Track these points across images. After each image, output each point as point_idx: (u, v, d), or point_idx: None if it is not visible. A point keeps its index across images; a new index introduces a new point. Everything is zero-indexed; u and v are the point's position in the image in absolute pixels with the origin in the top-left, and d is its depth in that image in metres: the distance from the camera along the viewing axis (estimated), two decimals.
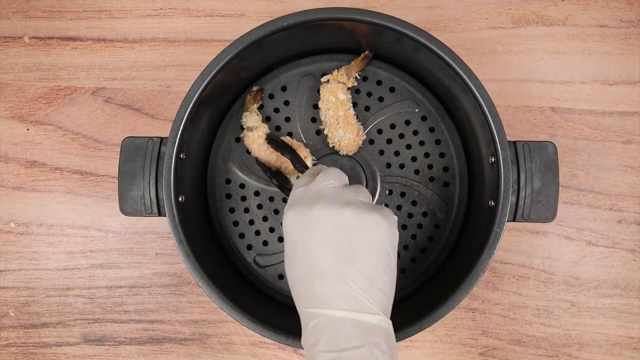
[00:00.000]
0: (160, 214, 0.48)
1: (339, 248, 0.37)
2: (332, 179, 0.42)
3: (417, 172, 0.55)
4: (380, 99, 0.55)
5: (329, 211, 0.38)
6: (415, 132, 0.55)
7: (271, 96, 0.56)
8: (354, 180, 0.55)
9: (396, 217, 0.41)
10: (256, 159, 0.54)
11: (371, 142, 0.55)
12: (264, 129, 0.53)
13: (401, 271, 0.55)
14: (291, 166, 0.53)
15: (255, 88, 0.54)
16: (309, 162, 0.53)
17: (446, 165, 0.55)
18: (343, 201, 0.39)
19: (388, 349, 0.36)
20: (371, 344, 0.35)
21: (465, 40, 0.60)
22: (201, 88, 0.46)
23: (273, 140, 0.52)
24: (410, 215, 0.55)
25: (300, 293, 0.39)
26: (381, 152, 0.55)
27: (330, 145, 0.54)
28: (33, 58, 0.61)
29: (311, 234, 0.38)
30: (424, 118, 0.55)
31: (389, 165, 0.55)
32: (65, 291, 0.60)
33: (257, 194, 0.56)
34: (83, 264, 0.60)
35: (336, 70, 0.54)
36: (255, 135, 0.53)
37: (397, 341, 0.45)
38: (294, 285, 0.39)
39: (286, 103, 0.56)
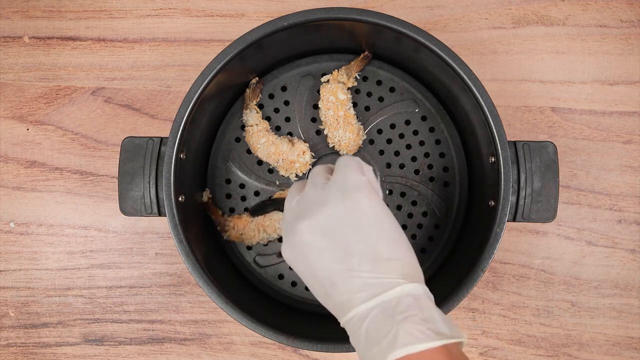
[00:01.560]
0: (160, 214, 0.48)
1: (332, 251, 0.37)
2: (311, 184, 0.40)
3: (417, 172, 0.55)
4: (380, 99, 0.55)
5: (306, 226, 0.37)
6: (415, 132, 0.55)
7: (271, 96, 0.56)
8: None
9: (364, 177, 0.38)
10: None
11: (371, 142, 0.55)
12: (264, 125, 0.53)
13: None
14: (288, 163, 0.53)
15: (254, 80, 0.54)
16: (307, 157, 0.53)
17: (446, 165, 0.55)
18: (317, 205, 0.38)
19: (422, 314, 0.33)
20: (401, 322, 0.33)
21: (465, 40, 0.60)
22: (201, 88, 0.46)
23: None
24: (410, 215, 0.55)
25: (332, 312, 0.38)
26: (381, 152, 0.55)
27: (330, 145, 0.54)
28: (33, 58, 0.61)
29: (305, 256, 0.38)
30: (424, 118, 0.55)
31: (389, 165, 0.55)
32: (65, 291, 0.60)
33: (257, 194, 0.56)
34: (83, 264, 0.60)
35: (336, 70, 0.54)
36: (254, 130, 0.53)
37: None
38: (327, 308, 0.38)
39: (286, 103, 0.56)
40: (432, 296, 0.36)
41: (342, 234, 0.36)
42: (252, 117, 0.54)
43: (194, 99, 0.46)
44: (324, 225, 0.37)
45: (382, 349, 0.33)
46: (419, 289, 0.35)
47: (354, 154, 0.55)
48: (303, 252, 0.38)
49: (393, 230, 0.37)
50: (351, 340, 0.36)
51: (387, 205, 0.54)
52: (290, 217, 0.40)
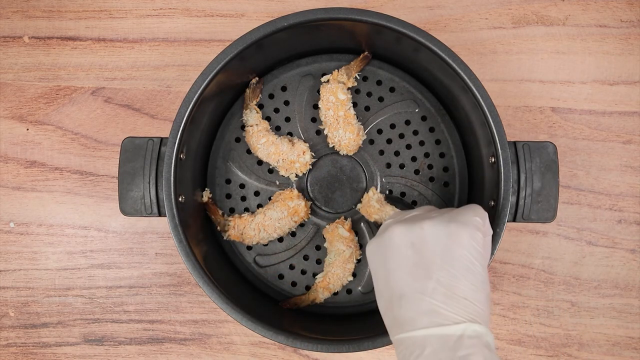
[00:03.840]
0: (160, 214, 0.48)
1: (414, 265, 0.36)
2: (433, 208, 0.41)
3: (417, 172, 0.55)
4: (380, 99, 0.55)
5: (401, 230, 0.38)
6: (415, 132, 0.55)
7: (271, 96, 0.56)
8: (353, 180, 0.55)
9: (479, 219, 0.38)
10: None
11: (371, 142, 0.55)
12: (264, 125, 0.53)
13: None
14: (288, 163, 0.53)
15: (254, 80, 0.54)
16: (307, 157, 0.53)
17: (446, 165, 0.55)
18: (421, 218, 0.38)
19: (484, 357, 0.33)
20: (462, 358, 0.33)
21: (465, 40, 0.60)
22: (201, 88, 0.46)
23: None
24: None
25: (388, 322, 0.38)
26: (381, 152, 0.55)
27: (330, 145, 0.54)
28: (33, 58, 0.61)
29: (386, 258, 0.38)
30: (424, 118, 0.55)
31: (389, 165, 0.55)
32: (65, 291, 0.60)
33: (257, 194, 0.56)
34: (83, 264, 0.60)
35: (336, 70, 0.54)
36: (254, 130, 0.53)
37: None
38: (384, 316, 0.38)
39: (286, 103, 0.56)
40: (494, 347, 0.36)
41: (431, 254, 0.36)
42: (252, 117, 0.54)
43: (194, 99, 0.46)
44: (418, 236, 0.37)
45: None
46: (485, 334, 0.35)
47: (354, 154, 0.55)
48: (386, 253, 0.38)
49: (479, 275, 0.37)
50: (397, 356, 0.36)
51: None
52: (394, 219, 0.40)
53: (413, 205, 0.55)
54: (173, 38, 0.60)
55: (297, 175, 0.55)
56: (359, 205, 0.54)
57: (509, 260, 0.59)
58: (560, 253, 0.59)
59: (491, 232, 0.40)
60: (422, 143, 0.55)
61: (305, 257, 0.55)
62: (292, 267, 0.55)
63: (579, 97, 0.59)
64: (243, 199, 0.55)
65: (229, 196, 0.55)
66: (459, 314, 0.35)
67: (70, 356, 0.59)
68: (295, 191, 0.54)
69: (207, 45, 0.60)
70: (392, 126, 0.55)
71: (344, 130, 0.53)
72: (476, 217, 0.39)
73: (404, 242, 0.37)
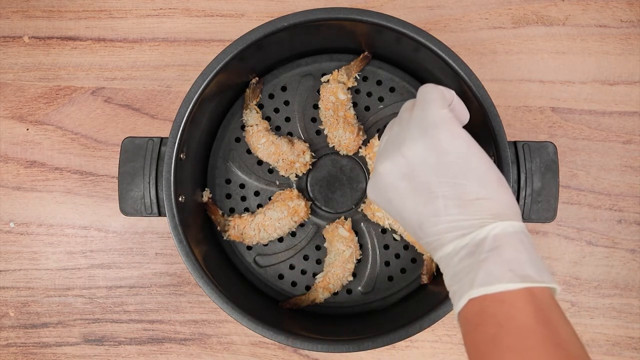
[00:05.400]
0: (160, 214, 0.48)
1: (415, 193, 0.35)
2: (398, 121, 0.39)
3: None
4: (380, 99, 0.55)
5: (386, 167, 0.36)
6: None
7: (271, 96, 0.56)
8: (353, 180, 0.55)
9: (438, 99, 0.36)
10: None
11: None
12: (264, 125, 0.53)
13: (401, 271, 0.55)
14: (288, 163, 0.53)
15: (254, 80, 0.54)
16: (307, 157, 0.53)
17: None
18: (397, 144, 0.37)
19: (507, 253, 0.31)
20: (482, 261, 0.31)
21: (465, 40, 0.60)
22: (201, 88, 0.46)
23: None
24: None
25: (425, 247, 0.37)
26: None
27: (330, 145, 0.54)
28: (33, 58, 0.61)
29: (387, 198, 0.37)
30: None
31: None
32: (65, 291, 0.60)
33: (257, 194, 0.56)
34: (83, 264, 0.60)
35: (336, 70, 0.54)
36: (254, 130, 0.53)
37: (397, 341, 0.45)
38: (420, 243, 0.37)
39: (286, 103, 0.56)
40: (528, 235, 0.34)
41: (424, 176, 0.35)
42: (252, 117, 0.54)
43: (194, 99, 0.46)
44: (404, 166, 0.36)
45: (462, 287, 0.32)
46: (510, 228, 0.33)
47: (354, 154, 0.55)
48: (386, 194, 0.37)
49: (479, 166, 0.35)
50: (443, 275, 0.36)
51: None
52: (377, 156, 0.39)
53: None
54: (173, 38, 0.60)
55: (297, 175, 0.55)
56: (362, 206, 0.54)
57: None
58: (560, 253, 0.59)
59: (452, 94, 0.38)
60: None
61: (305, 257, 0.55)
62: (292, 267, 0.55)
63: (579, 97, 0.59)
64: (243, 199, 0.55)
65: (229, 196, 0.55)
66: (479, 217, 0.33)
67: (70, 356, 0.59)
68: (295, 191, 0.54)
69: (207, 45, 0.60)
70: None
71: (343, 130, 0.52)
72: (440, 109, 0.36)
73: (395, 177, 0.36)
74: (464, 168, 0.34)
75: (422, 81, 0.55)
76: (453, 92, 0.38)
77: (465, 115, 0.38)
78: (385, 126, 0.43)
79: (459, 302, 0.33)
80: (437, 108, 0.36)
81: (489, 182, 0.34)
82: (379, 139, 0.51)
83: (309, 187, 0.55)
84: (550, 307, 0.31)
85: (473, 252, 0.33)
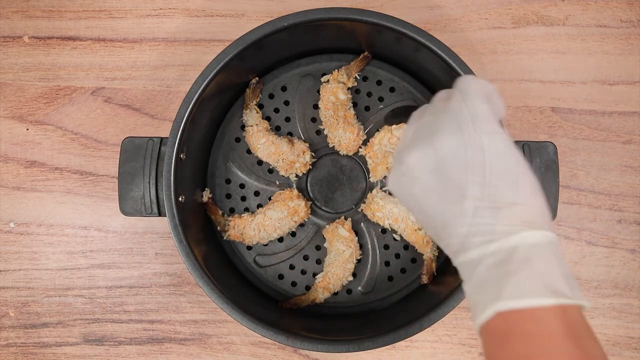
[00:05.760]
0: (160, 214, 0.48)
1: (443, 190, 0.33)
2: (431, 110, 0.35)
3: None
4: (380, 99, 0.55)
5: (415, 158, 0.34)
6: None
7: (271, 96, 0.56)
8: (353, 180, 0.55)
9: (479, 88, 0.33)
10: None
11: None
12: (264, 125, 0.53)
13: (401, 271, 0.55)
14: (288, 163, 0.53)
15: (254, 80, 0.54)
16: (307, 157, 0.53)
17: None
18: (429, 135, 0.34)
19: (539, 266, 0.29)
20: (512, 272, 0.29)
21: (465, 40, 0.60)
22: (201, 88, 0.46)
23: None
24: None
25: (444, 249, 0.35)
26: None
27: (330, 145, 0.54)
28: (33, 58, 0.61)
29: (412, 192, 0.34)
30: None
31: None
32: (65, 291, 0.60)
33: (257, 194, 0.56)
34: (83, 264, 0.60)
35: (336, 70, 0.54)
36: (254, 130, 0.53)
37: (397, 341, 0.45)
38: (438, 244, 0.35)
39: (286, 103, 0.56)
40: (558, 247, 0.32)
41: (455, 172, 0.32)
42: (252, 117, 0.54)
43: (194, 99, 0.46)
44: (434, 159, 0.33)
45: (487, 298, 0.30)
46: (542, 238, 0.31)
47: (354, 154, 0.55)
48: (410, 188, 0.34)
49: (516, 168, 0.32)
50: (462, 279, 0.33)
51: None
52: (402, 144, 0.36)
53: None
54: (173, 38, 0.60)
55: (297, 175, 0.55)
56: (362, 206, 0.54)
57: None
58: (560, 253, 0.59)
59: (494, 88, 0.35)
60: None
61: (305, 257, 0.55)
62: (292, 267, 0.55)
63: (579, 97, 0.59)
64: (243, 199, 0.55)
65: (229, 196, 0.55)
66: (510, 223, 0.31)
67: (70, 356, 0.59)
68: (295, 191, 0.54)
69: (207, 45, 0.60)
70: None
71: (343, 130, 0.52)
72: (481, 103, 0.33)
73: (424, 171, 0.33)
74: (500, 169, 0.32)
75: (422, 81, 0.55)
76: (494, 87, 0.35)
77: (501, 112, 0.35)
78: (385, 119, 0.42)
79: (482, 313, 0.30)
80: (478, 102, 0.33)
81: (524, 186, 0.32)
82: (391, 126, 0.47)
83: (309, 187, 0.55)
84: (582, 326, 0.29)
85: (502, 261, 0.30)
